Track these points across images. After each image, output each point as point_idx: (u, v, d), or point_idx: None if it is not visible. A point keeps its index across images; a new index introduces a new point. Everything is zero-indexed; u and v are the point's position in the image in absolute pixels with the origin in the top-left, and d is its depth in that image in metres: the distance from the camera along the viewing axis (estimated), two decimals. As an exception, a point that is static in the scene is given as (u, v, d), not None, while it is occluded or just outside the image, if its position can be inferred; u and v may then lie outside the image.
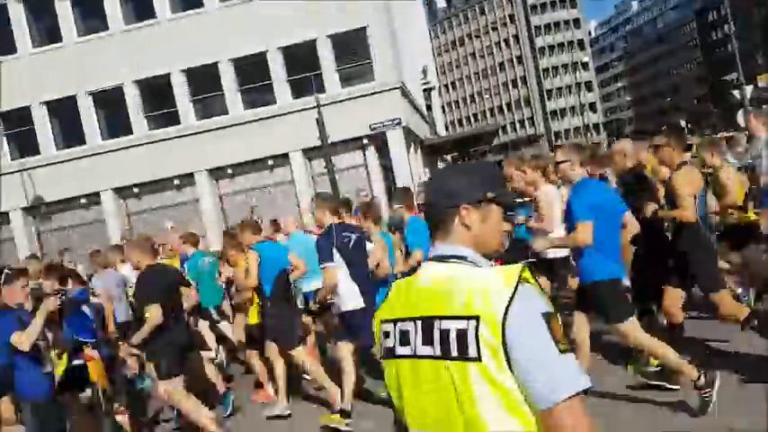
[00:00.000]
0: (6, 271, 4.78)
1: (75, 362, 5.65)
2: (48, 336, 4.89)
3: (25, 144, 21.22)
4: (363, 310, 5.18)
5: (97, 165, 20.71)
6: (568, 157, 4.55)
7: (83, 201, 21.24)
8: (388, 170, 20.53)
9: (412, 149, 22.40)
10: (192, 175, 20.77)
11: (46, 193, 20.90)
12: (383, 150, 20.37)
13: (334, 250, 5.17)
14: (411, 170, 20.47)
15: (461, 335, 1.35)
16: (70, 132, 21.14)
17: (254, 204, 17.95)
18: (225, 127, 20.37)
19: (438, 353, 1.40)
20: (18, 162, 21.11)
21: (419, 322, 1.45)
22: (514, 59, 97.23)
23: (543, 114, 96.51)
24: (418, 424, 1.47)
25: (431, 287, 1.47)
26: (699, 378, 4.15)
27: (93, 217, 21.42)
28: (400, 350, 1.49)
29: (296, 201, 20.25)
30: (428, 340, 1.42)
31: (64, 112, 21.03)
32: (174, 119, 20.83)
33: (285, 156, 20.39)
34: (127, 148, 20.74)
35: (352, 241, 5.33)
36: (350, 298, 5.26)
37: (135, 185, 21.01)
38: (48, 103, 21.05)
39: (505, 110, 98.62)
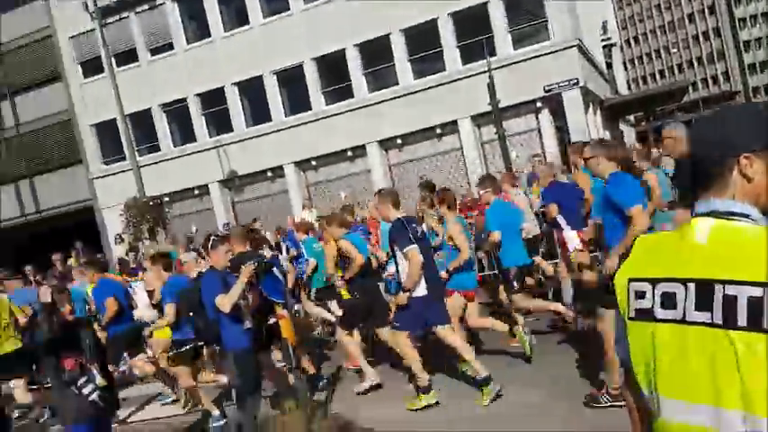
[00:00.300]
0: (213, 237, 5.27)
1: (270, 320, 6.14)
2: (247, 296, 5.29)
3: (220, 122, 23.23)
4: (425, 298, 5.47)
5: (281, 140, 22.13)
6: (595, 154, 4.75)
7: (269, 173, 22.86)
8: (563, 133, 19.58)
9: (590, 110, 21.13)
10: (363, 146, 21.43)
11: (239, 166, 22.79)
12: (558, 113, 19.44)
13: (410, 238, 5.43)
14: (589, 132, 19.32)
15: (754, 303, 1.20)
16: (258, 110, 22.76)
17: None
18: (395, 98, 20.67)
19: (718, 320, 1.25)
20: (214, 139, 23.20)
21: (691, 284, 1.29)
22: (706, 10, 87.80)
23: (740, 68, 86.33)
24: (680, 393, 1.32)
25: (708, 246, 1.30)
26: None
27: (279, 188, 23.00)
28: (662, 313, 1.34)
29: (464, 169, 20.08)
30: (704, 305, 1.27)
31: (252, 92, 22.67)
32: (347, 93, 21.55)
33: (454, 123, 20.27)
34: (306, 123, 21.89)
35: (419, 233, 5.60)
36: (419, 285, 5.50)
37: (313, 158, 22.16)
38: (238, 84, 22.81)
39: (695, 64, 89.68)
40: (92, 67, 23.91)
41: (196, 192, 23.77)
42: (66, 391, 4.61)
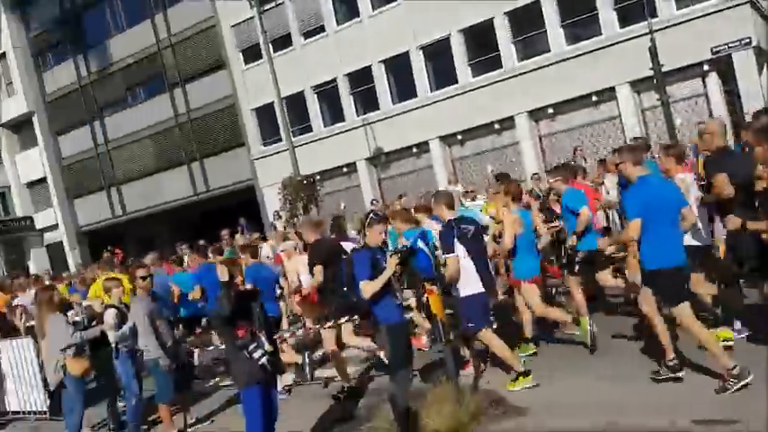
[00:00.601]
0: (371, 216, 5.44)
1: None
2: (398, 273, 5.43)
3: (367, 101, 23.79)
4: (480, 295, 5.84)
5: (426, 115, 22.22)
6: (623, 159, 5.27)
7: (414, 149, 23.10)
8: (734, 98, 17.79)
9: (765, 73, 18.97)
10: (512, 118, 20.92)
11: (385, 143, 23.26)
12: (728, 76, 17.69)
13: (456, 241, 5.75)
14: (764, 96, 17.38)
15: None
16: (403, 86, 23.00)
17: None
18: (546, 65, 19.91)
19: None
20: (362, 118, 23.83)
21: None
22: None
23: None
24: None
25: None
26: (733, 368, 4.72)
27: (424, 164, 23.19)
28: None
29: (623, 138, 18.96)
30: None
31: (398, 68, 22.93)
32: (495, 63, 21.08)
33: (611, 90, 19.14)
34: (452, 97, 21.78)
35: (470, 233, 5.88)
36: (469, 283, 5.84)
37: (458, 132, 22.03)
38: (385, 61, 23.16)
39: None
40: (251, 53, 25.47)
41: (344, 170, 24.64)
42: (239, 355, 5.04)
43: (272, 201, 24.33)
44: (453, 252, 5.77)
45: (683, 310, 4.99)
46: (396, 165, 23.89)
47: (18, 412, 8.70)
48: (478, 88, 21.22)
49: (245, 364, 5.00)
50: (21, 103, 32.07)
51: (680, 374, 5.15)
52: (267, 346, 5.09)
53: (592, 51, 19.12)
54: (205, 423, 7.04)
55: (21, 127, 33.21)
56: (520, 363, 5.99)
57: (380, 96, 23.38)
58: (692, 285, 5.58)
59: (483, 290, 5.87)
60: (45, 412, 8.34)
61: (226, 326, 5.03)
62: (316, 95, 24.82)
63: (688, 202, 5.39)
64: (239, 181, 26.98)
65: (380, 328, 5.42)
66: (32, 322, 9.08)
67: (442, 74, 22.13)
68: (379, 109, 23.45)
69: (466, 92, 21.48)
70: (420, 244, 6.65)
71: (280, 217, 19.94)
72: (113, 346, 7.24)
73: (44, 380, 8.10)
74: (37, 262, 32.24)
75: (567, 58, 19.52)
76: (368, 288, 5.20)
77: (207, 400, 7.92)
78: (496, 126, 21.34)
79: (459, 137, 22.18)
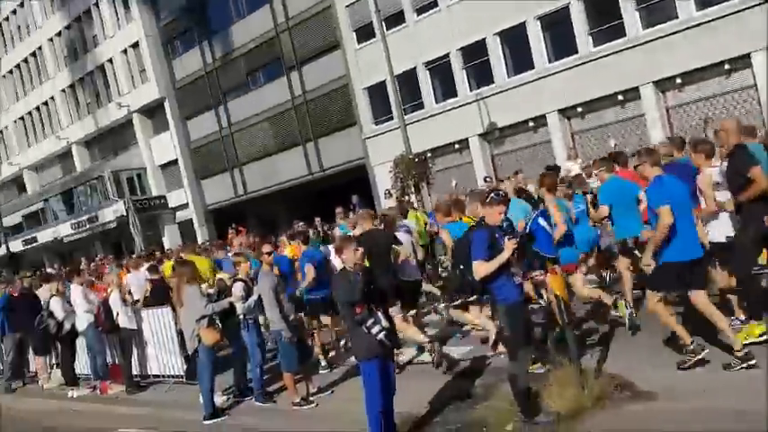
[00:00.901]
0: (492, 195, 5.36)
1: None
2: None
3: (481, 75, 23.32)
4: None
5: (543, 88, 21.46)
6: (641, 161, 5.77)
7: (530, 123, 22.41)
8: None
9: None
10: (636, 89, 19.72)
11: (498, 118, 22.75)
12: None
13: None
14: None
15: None
16: (519, 59, 22.32)
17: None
18: (674, 32, 18.52)
19: None
20: (475, 93, 23.41)
21: None
22: None
23: None
24: None
25: None
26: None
27: (540, 138, 22.46)
28: None
29: (759, 108, 17.35)
30: None
31: (514, 40, 22.26)
32: (618, 32, 19.91)
33: (745, 57, 17.50)
34: (571, 68, 20.86)
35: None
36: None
37: (579, 105, 21.10)
38: (500, 33, 22.55)
39: None
40: (364, 32, 25.68)
41: (456, 146, 24.37)
42: (358, 330, 5.16)
43: (383, 179, 24.60)
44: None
45: (699, 297, 5.49)
46: (510, 140, 23.32)
47: (158, 376, 9.44)
48: (600, 58, 20.15)
49: (363, 338, 5.13)
50: (153, 90, 34.39)
51: (702, 355, 5.44)
52: (384, 323, 5.18)
53: (724, 17, 17.53)
54: (326, 393, 7.28)
55: (154, 112, 35.64)
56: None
57: (495, 70, 22.82)
58: (717, 281, 6.21)
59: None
60: (182, 376, 8.99)
61: (345, 303, 5.17)
62: (428, 71, 24.64)
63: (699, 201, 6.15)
64: (351, 160, 27.48)
65: (498, 307, 5.35)
66: (137, 297, 9.82)
67: (561, 44, 21.21)
68: (493, 83, 22.90)
69: (587, 62, 20.48)
70: (541, 221, 6.46)
71: (390, 195, 20.18)
72: (241, 317, 7.67)
73: (181, 346, 8.73)
74: (170, 238, 34.74)
75: (696, 25, 18.03)
76: (481, 269, 5.13)
77: (327, 372, 8.18)
78: (620, 98, 20.21)
79: (580, 109, 21.23)
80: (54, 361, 10.77)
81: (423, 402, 6.15)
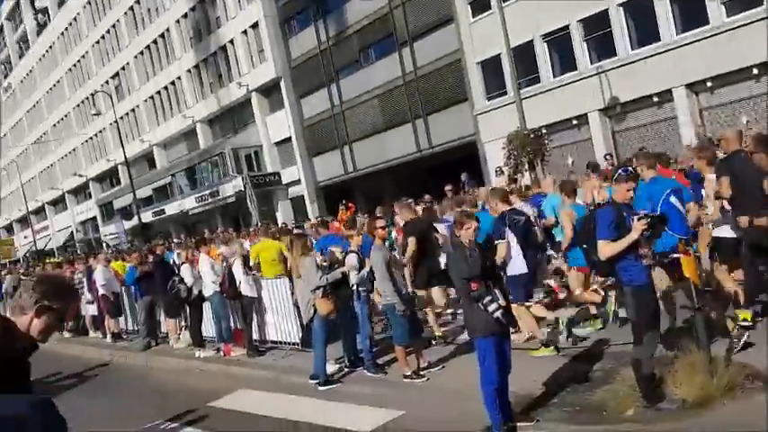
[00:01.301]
0: (620, 172, 5.15)
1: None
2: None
3: (602, 47, 22.22)
4: (525, 275, 7.01)
5: (669, 61, 20.13)
6: (639, 164, 6.71)
7: (655, 99, 21.13)
8: None
9: None
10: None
11: (620, 93, 21.61)
12: None
13: (507, 230, 6.95)
14: None
15: None
16: (644, 30, 21.02)
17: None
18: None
19: None
20: (595, 66, 22.34)
21: None
22: None
23: None
24: None
25: None
26: None
27: (665, 115, 21.15)
28: None
29: None
30: None
31: (639, 10, 20.98)
32: (754, 0, 18.24)
33: None
34: (701, 39, 19.40)
35: (521, 222, 7.04)
36: (516, 264, 6.97)
37: (708, 79, 19.63)
38: (624, 4, 21.31)
39: None
40: (479, 5, 25.14)
41: (574, 122, 23.46)
42: (473, 306, 5.11)
43: (493, 156, 24.16)
44: (502, 239, 6.90)
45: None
46: (633, 116, 22.11)
47: (276, 342, 9.88)
48: (734, 29, 18.58)
49: (479, 315, 5.07)
50: (270, 69, 35.60)
51: None
52: (501, 300, 5.10)
53: None
54: (436, 368, 7.31)
55: (270, 91, 36.95)
56: (541, 333, 7.00)
57: (617, 42, 21.64)
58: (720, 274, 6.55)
59: (526, 271, 6.97)
60: (297, 343, 9.35)
61: (461, 279, 5.13)
62: (545, 44, 23.81)
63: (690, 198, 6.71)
64: (461, 137, 27.19)
65: (624, 290, 5.14)
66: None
67: (691, 15, 19.74)
68: (615, 55, 21.76)
69: (718, 33, 18.96)
70: (673, 200, 6.09)
71: (502, 172, 19.74)
72: (354, 288, 7.84)
73: (297, 314, 9.07)
74: (283, 213, 36.10)
75: None
76: (606, 249, 4.93)
77: (439, 347, 8.20)
78: (754, 71, 18.58)
79: (710, 84, 19.74)
80: (183, 323, 11.55)
81: (538, 382, 6.03)
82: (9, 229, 71.83)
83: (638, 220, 4.82)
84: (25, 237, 62.80)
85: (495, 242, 6.85)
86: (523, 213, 7.29)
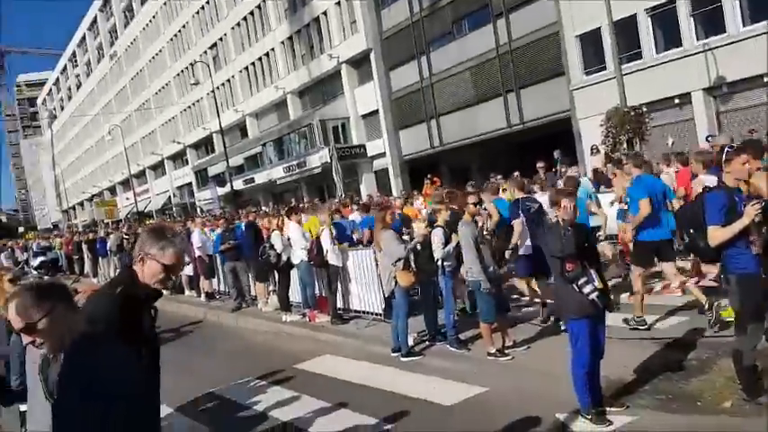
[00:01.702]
0: (727, 149, 4.88)
1: None
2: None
3: (710, 23, 20.83)
4: (531, 256, 8.02)
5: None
6: (627, 162, 8.12)
7: (765, 79, 19.65)
8: None
9: None
10: None
11: (728, 72, 20.25)
12: None
13: (521, 213, 8.04)
14: None
15: None
16: (757, 6, 19.52)
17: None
18: None
19: None
20: (702, 43, 21.01)
21: None
22: None
23: None
24: None
25: None
26: None
27: (777, 95, 19.65)
28: None
29: None
30: None
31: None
32: None
33: None
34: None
35: (532, 209, 8.06)
36: (525, 245, 8.06)
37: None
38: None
39: None
40: (579, -24, 24.12)
41: (676, 101, 22.22)
42: (568, 287, 4.99)
43: (588, 133, 23.28)
44: (519, 217, 8.08)
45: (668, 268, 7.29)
46: (740, 96, 20.69)
47: (359, 311, 10.07)
48: None
49: (574, 296, 4.95)
50: (361, 41, 35.73)
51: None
52: (597, 282, 4.95)
53: None
54: (521, 348, 7.22)
55: (360, 63, 37.12)
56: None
57: (728, 18, 20.22)
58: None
59: (531, 252, 7.89)
60: (380, 314, 9.49)
61: (556, 258, 5.01)
62: (650, 18, 22.56)
63: (674, 195, 7.90)
64: (555, 112, 26.36)
65: (730, 277, 4.87)
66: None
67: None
68: (725, 32, 20.36)
69: None
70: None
71: (598, 151, 19.00)
72: (439, 263, 7.84)
73: (381, 286, 9.18)
74: (367, 186, 36.45)
75: None
76: (716, 235, 4.70)
77: (525, 325, 8.10)
78: None
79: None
80: (272, 288, 11.97)
81: (629, 368, 5.86)
82: (112, 190, 76.53)
83: (752, 205, 4.54)
84: (127, 198, 66.66)
85: (511, 222, 8.17)
86: (536, 201, 8.28)
